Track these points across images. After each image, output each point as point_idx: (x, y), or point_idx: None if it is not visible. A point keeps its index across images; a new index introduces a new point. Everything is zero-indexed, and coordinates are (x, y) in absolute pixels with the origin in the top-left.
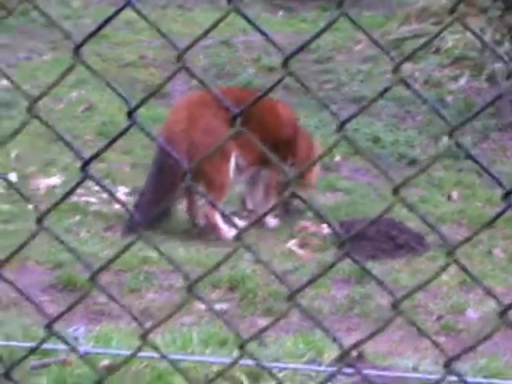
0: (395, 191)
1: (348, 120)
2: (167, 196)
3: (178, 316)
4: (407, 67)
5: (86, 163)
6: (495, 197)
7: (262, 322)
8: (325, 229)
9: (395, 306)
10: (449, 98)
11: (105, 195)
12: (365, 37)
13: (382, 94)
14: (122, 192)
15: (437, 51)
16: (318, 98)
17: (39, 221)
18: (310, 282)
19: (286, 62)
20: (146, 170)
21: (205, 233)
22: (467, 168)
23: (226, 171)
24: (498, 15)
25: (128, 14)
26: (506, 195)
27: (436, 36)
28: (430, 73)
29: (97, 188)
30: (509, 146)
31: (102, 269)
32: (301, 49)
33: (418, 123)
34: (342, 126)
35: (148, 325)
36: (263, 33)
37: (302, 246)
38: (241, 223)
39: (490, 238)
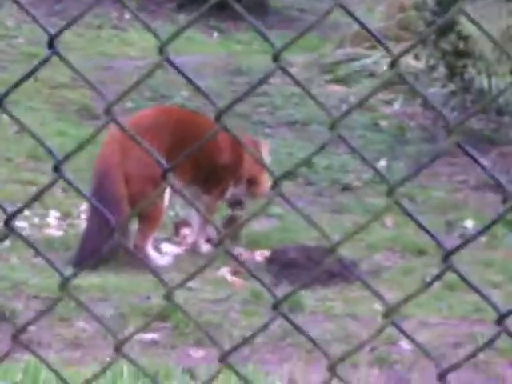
0: (390, 192)
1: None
2: (116, 225)
3: (108, 346)
4: (341, 90)
5: (10, 218)
6: (429, 224)
7: (194, 353)
8: (257, 256)
9: None
10: (383, 123)
11: (36, 220)
12: (298, 59)
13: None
14: (53, 216)
15: (371, 75)
16: None
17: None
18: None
19: (218, 118)
20: (78, 195)
21: (136, 259)
22: (401, 194)
23: (161, 202)
24: (433, 40)
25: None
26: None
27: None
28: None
29: (27, 213)
30: (442, 171)
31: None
32: (233, 103)
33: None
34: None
35: (77, 355)
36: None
37: (234, 273)
38: (174, 249)
39: (423, 265)
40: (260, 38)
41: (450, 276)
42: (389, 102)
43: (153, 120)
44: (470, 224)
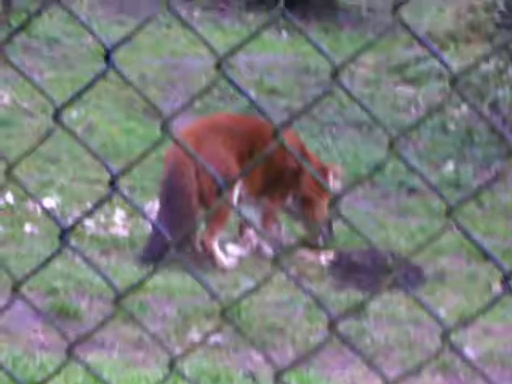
0: (448, 213)
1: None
2: (185, 220)
3: (172, 347)
4: (409, 91)
5: (65, 232)
6: (495, 228)
7: (256, 356)
8: (322, 258)
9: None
10: (451, 125)
11: (102, 219)
12: (367, 60)
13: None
14: (118, 216)
15: (440, 76)
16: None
17: (61, 237)
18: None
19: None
20: (144, 194)
21: (201, 260)
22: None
23: (230, 201)
24: (503, 42)
25: (128, 30)
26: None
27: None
28: (432, 98)
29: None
30: (510, 173)
31: (127, 292)
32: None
33: (418, 150)
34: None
35: (142, 355)
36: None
37: (299, 275)
38: (239, 250)
39: (489, 271)
40: (329, 37)
41: None
42: (457, 104)
43: (230, 123)
44: None
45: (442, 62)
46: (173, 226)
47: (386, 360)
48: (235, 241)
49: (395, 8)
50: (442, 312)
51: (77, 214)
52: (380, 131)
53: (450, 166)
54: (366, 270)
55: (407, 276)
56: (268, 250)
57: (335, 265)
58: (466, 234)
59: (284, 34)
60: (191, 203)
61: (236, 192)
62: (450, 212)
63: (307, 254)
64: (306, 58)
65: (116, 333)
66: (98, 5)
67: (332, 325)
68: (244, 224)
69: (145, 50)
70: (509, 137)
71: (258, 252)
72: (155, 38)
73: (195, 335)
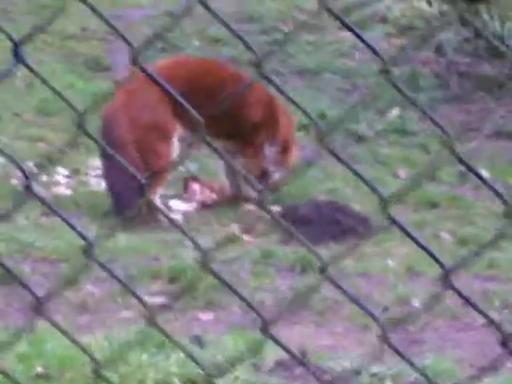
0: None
1: None
2: (127, 171)
3: (116, 310)
4: (350, 37)
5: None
6: (442, 175)
7: (203, 316)
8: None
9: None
10: (395, 70)
11: (44, 178)
12: (307, 6)
13: None
14: (61, 174)
15: (383, 20)
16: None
17: None
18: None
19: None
20: (87, 150)
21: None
22: (414, 144)
23: (167, 154)
24: None
25: None
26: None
27: None
28: (377, 42)
29: (34, 171)
30: (456, 119)
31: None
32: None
33: (364, 97)
34: None
35: (85, 319)
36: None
37: (246, 231)
38: (185, 206)
39: (436, 219)
40: None
41: (463, 230)
42: (401, 48)
43: (168, 71)
44: (483, 174)
45: (373, 51)
46: (118, 179)
47: (335, 315)
48: (179, 197)
49: None
50: (390, 262)
51: (18, 173)
52: (323, 78)
53: (394, 112)
54: (313, 223)
55: (354, 228)
56: (252, 193)
57: (282, 218)
58: (404, 230)
59: None
60: (129, 153)
61: (175, 142)
62: (385, 206)
63: (254, 209)
64: (249, 5)
65: (59, 296)
66: None
67: (323, 270)
68: (188, 178)
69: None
70: (454, 82)
71: (204, 207)
72: None
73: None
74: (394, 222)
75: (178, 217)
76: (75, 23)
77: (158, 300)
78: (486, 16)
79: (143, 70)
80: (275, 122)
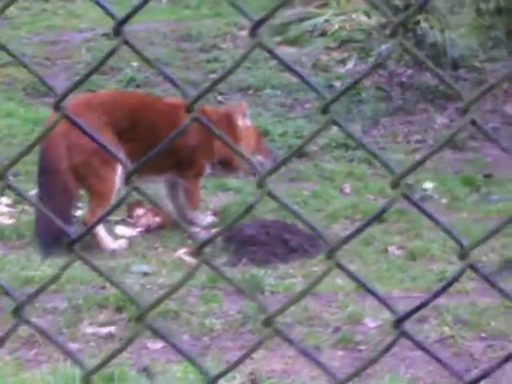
0: (395, 185)
1: None
2: (63, 198)
3: (64, 343)
4: (292, 51)
5: None
6: (387, 188)
7: (152, 345)
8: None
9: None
10: (337, 83)
11: None
12: (246, 22)
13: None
14: (3, 203)
15: (323, 34)
16: None
17: None
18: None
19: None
20: (31, 178)
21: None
22: (358, 158)
23: (111, 179)
24: None
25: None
26: (395, 184)
27: None
28: (317, 56)
29: None
30: (399, 130)
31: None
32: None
33: (306, 111)
34: None
35: (32, 354)
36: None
37: (192, 254)
38: (128, 231)
39: (383, 233)
40: (208, 1)
41: (413, 244)
42: (342, 62)
43: (108, 98)
44: (429, 185)
45: (312, 87)
46: (53, 206)
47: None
48: (125, 222)
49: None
50: (339, 281)
51: None
52: (265, 95)
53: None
54: (260, 243)
55: (302, 246)
56: (204, 218)
57: (228, 240)
58: (420, 209)
59: (163, 0)
60: (64, 180)
61: (119, 171)
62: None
63: (199, 231)
64: (187, 24)
65: (4, 329)
66: None
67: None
68: (133, 204)
69: (23, 26)
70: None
71: (149, 231)
72: (32, 14)
73: (87, 328)
74: (407, 198)
75: (121, 242)
76: (14, 49)
77: (105, 330)
78: (425, 25)
79: (68, 118)
80: (210, 143)
